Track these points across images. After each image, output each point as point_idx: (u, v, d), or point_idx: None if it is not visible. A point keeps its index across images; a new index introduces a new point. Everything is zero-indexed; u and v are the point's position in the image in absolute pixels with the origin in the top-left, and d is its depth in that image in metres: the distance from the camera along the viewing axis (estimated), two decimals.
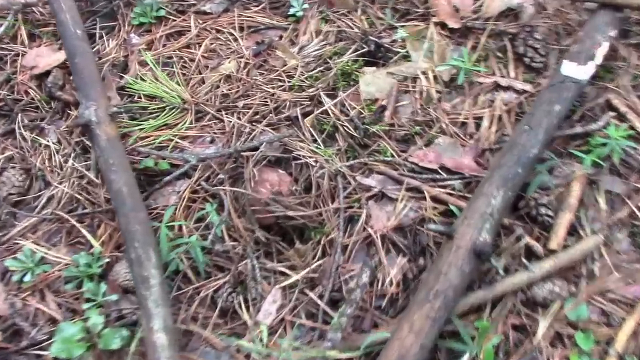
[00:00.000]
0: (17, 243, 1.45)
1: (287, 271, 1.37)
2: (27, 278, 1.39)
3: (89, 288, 1.35)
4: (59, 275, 1.40)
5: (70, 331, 1.27)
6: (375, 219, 1.43)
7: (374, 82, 1.66)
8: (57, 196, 1.50)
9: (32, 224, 1.48)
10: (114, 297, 1.34)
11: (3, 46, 1.81)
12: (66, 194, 1.50)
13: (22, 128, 1.63)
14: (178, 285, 1.38)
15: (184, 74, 1.71)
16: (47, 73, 1.70)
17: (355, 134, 1.56)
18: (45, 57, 1.75)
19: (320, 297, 1.34)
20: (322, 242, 1.40)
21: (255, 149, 1.49)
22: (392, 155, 1.53)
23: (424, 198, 1.45)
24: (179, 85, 1.67)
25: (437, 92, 1.66)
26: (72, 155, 1.56)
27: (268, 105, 1.62)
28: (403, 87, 1.66)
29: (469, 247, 1.24)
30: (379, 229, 1.41)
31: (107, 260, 1.40)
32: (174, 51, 1.76)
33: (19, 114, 1.65)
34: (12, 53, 1.79)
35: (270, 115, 1.60)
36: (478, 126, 1.59)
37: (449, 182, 1.47)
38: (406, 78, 1.68)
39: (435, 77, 1.68)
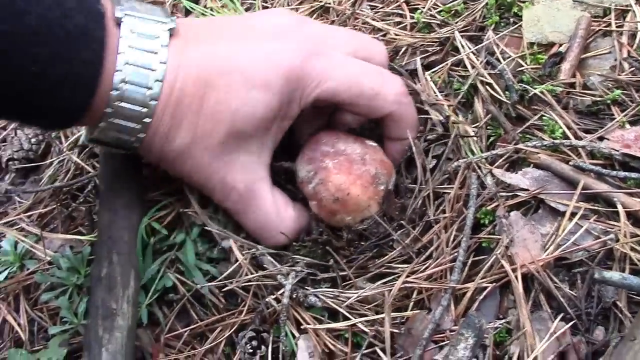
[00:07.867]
0: (12, 226, 1.07)
1: (348, 314, 0.81)
2: (2, 277, 1.00)
3: (63, 304, 0.92)
4: None
5: None
6: (518, 245, 0.81)
7: (549, 17, 1.00)
8: (65, 166, 1.09)
9: (30, 201, 1.08)
10: None
11: None
12: (74, 163, 1.07)
13: None
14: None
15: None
16: None
17: (504, 99, 0.94)
18: None
19: None
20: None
21: None
22: (566, 137, 0.89)
23: (616, 215, 0.79)
24: None
25: None
26: None
27: None
28: (599, 26, 0.99)
29: None
30: (524, 263, 0.78)
31: None
32: None
33: None
34: None
35: None
36: None
37: None
38: (607, 11, 1.00)
39: None
